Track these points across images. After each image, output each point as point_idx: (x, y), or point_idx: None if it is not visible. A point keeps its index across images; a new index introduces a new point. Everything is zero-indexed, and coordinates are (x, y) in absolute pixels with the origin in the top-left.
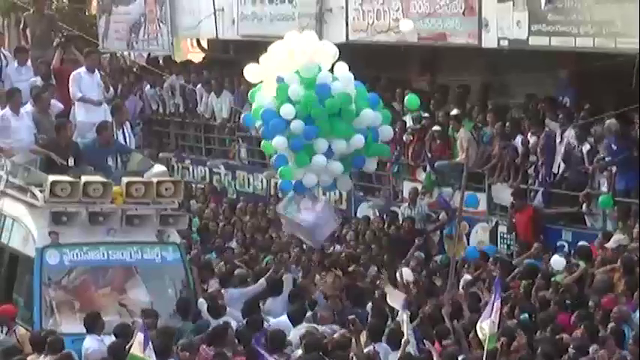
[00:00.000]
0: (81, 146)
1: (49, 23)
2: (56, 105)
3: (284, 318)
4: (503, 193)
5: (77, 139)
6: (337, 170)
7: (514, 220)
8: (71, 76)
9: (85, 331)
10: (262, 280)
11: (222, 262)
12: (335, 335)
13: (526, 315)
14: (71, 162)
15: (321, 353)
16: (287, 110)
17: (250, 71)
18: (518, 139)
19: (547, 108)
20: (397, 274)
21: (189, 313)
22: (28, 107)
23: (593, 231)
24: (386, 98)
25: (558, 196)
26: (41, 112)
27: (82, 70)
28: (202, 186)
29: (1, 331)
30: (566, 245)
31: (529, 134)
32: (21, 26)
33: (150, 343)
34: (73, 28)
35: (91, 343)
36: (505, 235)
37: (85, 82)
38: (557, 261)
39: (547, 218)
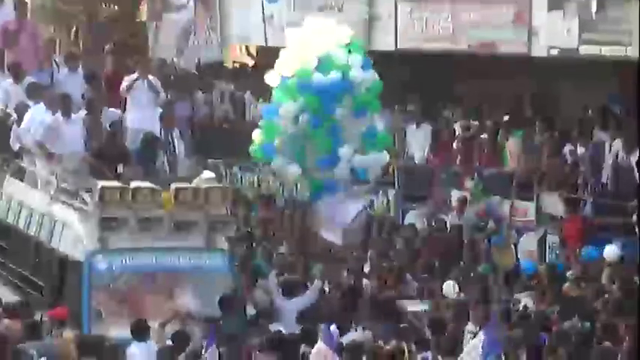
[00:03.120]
0: (131, 152)
1: (101, 30)
2: (109, 111)
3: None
4: (553, 203)
5: (128, 145)
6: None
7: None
8: (123, 80)
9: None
10: (315, 289)
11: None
12: (388, 346)
13: (587, 323)
14: (120, 169)
15: None
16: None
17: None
18: (567, 148)
19: (597, 118)
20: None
21: (232, 307)
22: (79, 113)
23: None
24: (435, 106)
25: (608, 206)
26: (93, 119)
27: (134, 76)
28: (250, 192)
29: (52, 334)
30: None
31: (578, 144)
32: (73, 33)
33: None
34: (124, 35)
35: (136, 348)
36: (553, 245)
37: (136, 88)
38: (610, 250)
39: (596, 228)
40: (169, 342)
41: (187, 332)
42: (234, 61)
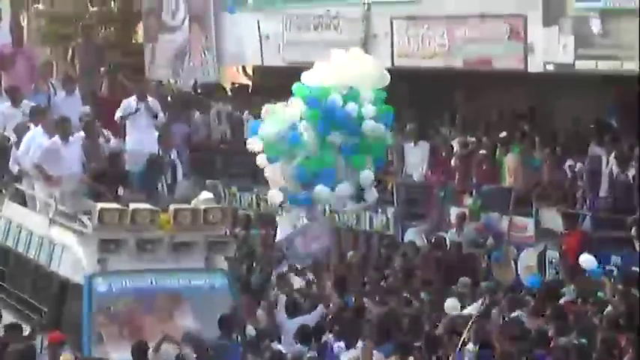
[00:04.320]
0: (131, 174)
1: (97, 53)
2: (107, 134)
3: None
4: (552, 218)
5: (128, 167)
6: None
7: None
8: (121, 104)
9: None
10: (319, 311)
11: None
12: None
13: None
14: (120, 191)
15: None
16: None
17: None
18: (567, 163)
19: (594, 132)
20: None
21: (233, 329)
22: (77, 135)
23: None
24: (432, 123)
25: (607, 221)
26: (91, 141)
27: (132, 98)
28: (247, 212)
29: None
30: (615, 269)
31: (575, 159)
32: (69, 56)
33: None
34: (120, 57)
35: None
36: (553, 260)
37: (131, 108)
38: (588, 259)
39: (596, 242)
40: None
41: (184, 357)
42: (232, 83)
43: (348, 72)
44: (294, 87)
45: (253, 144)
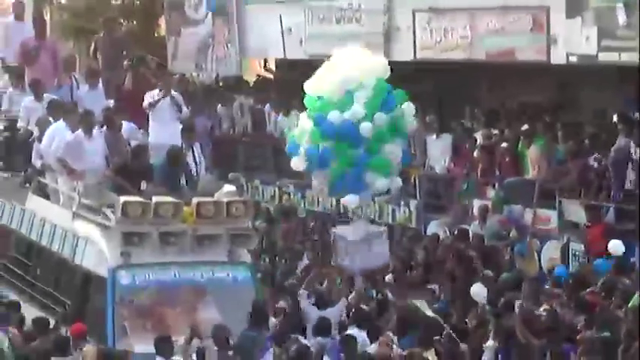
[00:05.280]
0: (154, 167)
1: (120, 46)
2: (129, 126)
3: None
4: (575, 210)
5: (152, 160)
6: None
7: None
8: (145, 96)
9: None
10: (343, 304)
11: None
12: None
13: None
14: (143, 186)
15: None
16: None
17: (310, 86)
18: (593, 156)
19: (621, 123)
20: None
21: (264, 321)
22: (100, 129)
23: None
24: (455, 116)
25: (631, 212)
26: (113, 134)
27: (156, 92)
28: (269, 206)
29: (75, 350)
30: (638, 262)
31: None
32: (92, 49)
33: None
34: (143, 50)
35: None
36: (577, 252)
37: (159, 104)
38: (616, 244)
39: (619, 234)
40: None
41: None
42: (257, 75)
43: (349, 71)
44: (305, 100)
45: (297, 164)
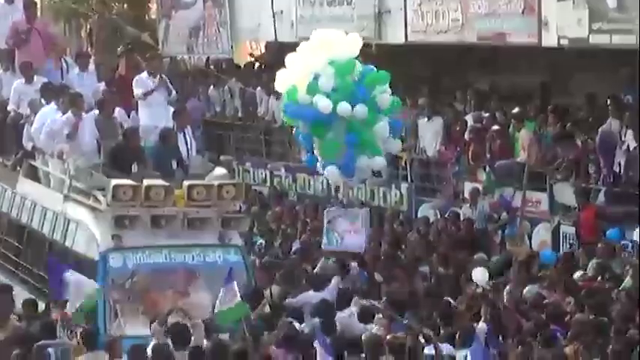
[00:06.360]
0: (145, 150)
1: (114, 28)
2: (121, 112)
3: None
4: (566, 193)
5: (141, 143)
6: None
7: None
8: (134, 80)
9: (147, 333)
10: (335, 284)
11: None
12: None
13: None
14: (135, 168)
15: None
16: (324, 104)
17: (280, 80)
18: (579, 138)
19: (612, 106)
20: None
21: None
22: (91, 112)
23: None
24: (446, 98)
25: (622, 195)
26: (106, 118)
27: (144, 74)
28: (259, 189)
29: (64, 333)
30: (629, 244)
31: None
32: (86, 32)
33: None
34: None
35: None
36: (568, 235)
37: (146, 85)
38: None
39: (610, 217)
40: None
41: (187, 327)
42: (250, 55)
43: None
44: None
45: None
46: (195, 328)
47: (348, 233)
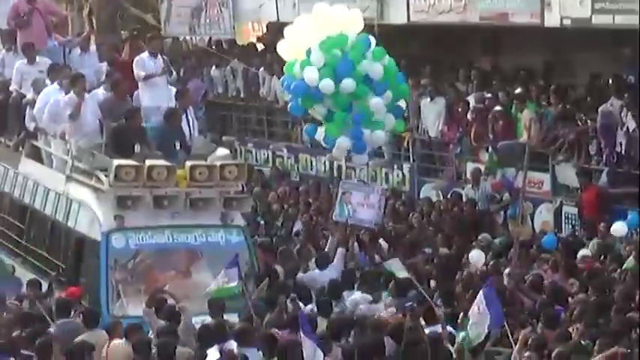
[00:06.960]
0: (148, 131)
1: (115, 8)
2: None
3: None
4: (568, 174)
5: (143, 124)
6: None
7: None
8: (134, 61)
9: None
10: (340, 256)
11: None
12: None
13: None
14: (137, 148)
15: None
16: (311, 75)
17: (283, 49)
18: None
19: (614, 86)
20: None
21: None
22: (96, 92)
23: None
24: (449, 79)
25: (624, 176)
26: (118, 99)
27: (145, 54)
28: (261, 169)
29: (71, 314)
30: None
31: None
32: (87, 12)
33: None
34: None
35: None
36: (570, 216)
37: (148, 66)
38: (617, 229)
39: (613, 198)
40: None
41: (176, 308)
42: (258, 39)
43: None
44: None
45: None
46: (183, 311)
47: (362, 207)
